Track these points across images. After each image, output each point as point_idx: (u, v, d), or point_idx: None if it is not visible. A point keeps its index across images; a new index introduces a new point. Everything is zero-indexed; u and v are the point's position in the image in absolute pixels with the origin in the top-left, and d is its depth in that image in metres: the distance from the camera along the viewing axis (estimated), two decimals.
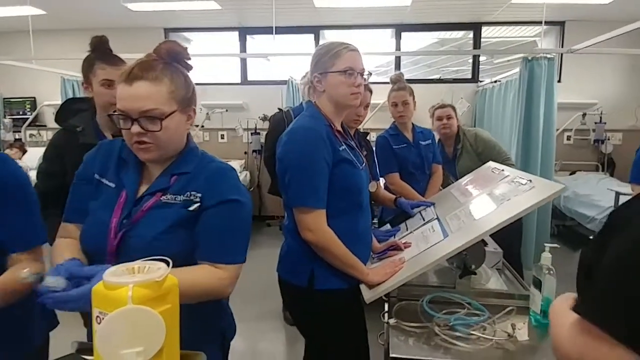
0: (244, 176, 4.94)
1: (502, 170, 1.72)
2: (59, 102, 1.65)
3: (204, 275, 0.88)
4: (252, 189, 5.11)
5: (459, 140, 2.60)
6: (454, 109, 2.64)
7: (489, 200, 1.47)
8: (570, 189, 4.19)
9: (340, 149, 1.27)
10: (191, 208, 0.92)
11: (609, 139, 4.81)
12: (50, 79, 4.55)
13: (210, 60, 5.29)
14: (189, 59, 0.97)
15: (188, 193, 0.93)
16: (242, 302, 3.00)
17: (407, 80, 2.32)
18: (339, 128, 1.35)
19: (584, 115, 4.81)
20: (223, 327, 1.12)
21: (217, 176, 0.96)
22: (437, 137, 2.73)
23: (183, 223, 0.91)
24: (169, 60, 0.93)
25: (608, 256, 0.54)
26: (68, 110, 1.57)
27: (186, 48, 0.96)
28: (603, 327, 0.51)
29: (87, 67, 1.48)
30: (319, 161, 1.22)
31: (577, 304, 0.58)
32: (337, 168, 1.25)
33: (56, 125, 1.55)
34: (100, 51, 1.49)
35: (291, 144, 1.26)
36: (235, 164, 4.92)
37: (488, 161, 2.12)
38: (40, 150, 1.51)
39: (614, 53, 3.15)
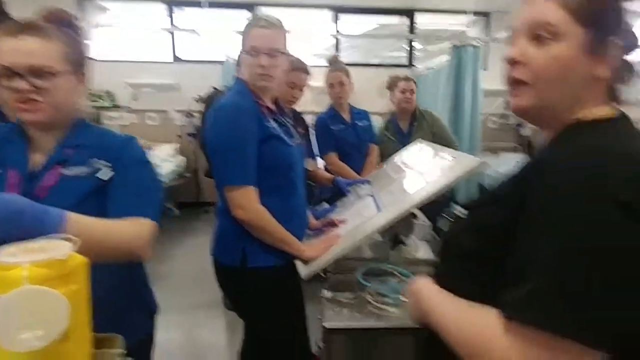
0: (179, 161, 4.70)
1: (431, 148, 1.80)
2: None
3: (122, 224, 0.83)
4: (188, 174, 4.88)
5: (415, 118, 2.61)
6: (415, 84, 2.63)
7: (418, 176, 1.53)
8: (493, 168, 4.54)
9: (268, 125, 1.25)
10: (105, 177, 0.87)
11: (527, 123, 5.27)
12: None
13: (137, 35, 4.91)
14: (78, 27, 0.92)
15: (95, 162, 0.87)
16: (180, 290, 2.92)
17: (346, 64, 2.33)
18: (269, 104, 1.32)
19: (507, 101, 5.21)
20: (149, 301, 1.09)
21: (124, 143, 0.93)
22: (392, 109, 2.68)
23: (94, 194, 0.86)
24: (58, 25, 0.87)
25: (541, 245, 0.48)
26: None
27: (75, 16, 0.92)
28: (567, 335, 0.45)
29: None
30: (245, 138, 1.19)
31: (511, 309, 0.49)
32: (266, 145, 1.23)
33: None
34: None
35: (217, 122, 1.23)
36: (168, 148, 4.67)
37: (440, 139, 2.19)
38: None
39: None
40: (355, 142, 2.33)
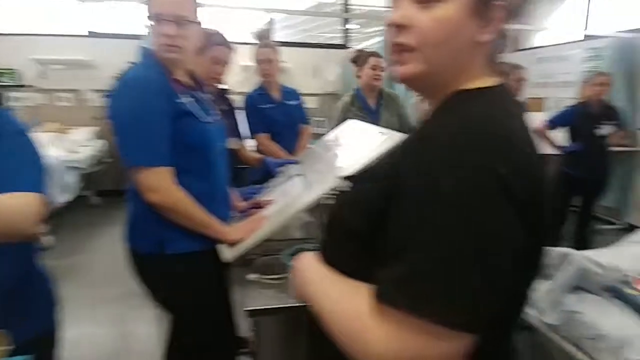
0: (98, 145, 4.31)
1: (361, 125, 1.81)
2: None
3: (2, 199, 0.73)
4: (109, 160, 4.50)
5: (382, 96, 2.54)
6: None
7: (347, 153, 1.53)
8: None
9: (180, 101, 1.15)
10: None
11: None
12: None
13: (45, 5, 4.36)
14: None
15: None
16: (104, 282, 2.73)
17: (281, 43, 2.24)
18: (182, 78, 1.22)
19: None
20: (46, 293, 0.98)
21: None
22: (358, 86, 2.54)
23: None
24: None
25: (415, 224, 0.45)
26: None
27: None
28: (438, 320, 0.43)
29: None
30: (153, 114, 1.09)
31: (383, 292, 0.47)
32: (179, 122, 1.14)
33: None
34: None
35: (120, 97, 1.12)
36: (85, 132, 4.27)
37: (405, 122, 2.14)
38: None
39: None
40: (285, 121, 2.27)
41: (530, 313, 1.49)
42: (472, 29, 0.53)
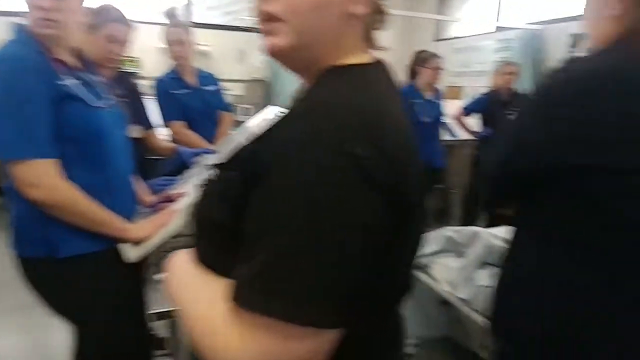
0: None
1: (285, 111, 1.76)
2: None
3: None
4: None
5: None
6: None
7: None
8: None
9: (62, 83, 1.01)
10: None
11: None
12: None
13: None
14: None
15: None
16: (5, 289, 2.40)
17: (204, 24, 2.08)
18: (65, 57, 1.07)
19: None
20: None
21: None
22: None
23: None
24: None
25: (269, 213, 0.42)
26: None
27: None
28: (293, 319, 0.40)
29: None
30: (28, 98, 0.96)
31: (235, 292, 0.43)
32: (62, 107, 1.00)
33: None
34: None
35: None
36: None
37: None
38: None
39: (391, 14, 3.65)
40: (202, 108, 2.14)
41: (445, 289, 1.57)
42: (345, 0, 0.49)
